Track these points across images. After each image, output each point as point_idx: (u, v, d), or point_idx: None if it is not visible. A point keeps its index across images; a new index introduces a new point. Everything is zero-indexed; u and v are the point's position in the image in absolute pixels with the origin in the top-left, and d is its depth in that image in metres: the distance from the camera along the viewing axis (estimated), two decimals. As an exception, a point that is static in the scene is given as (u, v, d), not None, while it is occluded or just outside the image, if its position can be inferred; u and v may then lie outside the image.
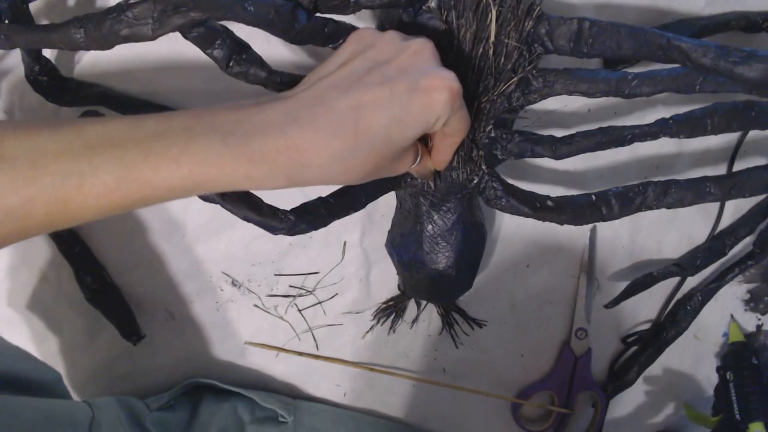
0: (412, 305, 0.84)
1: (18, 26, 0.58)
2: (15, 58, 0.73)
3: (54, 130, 0.45)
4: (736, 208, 0.84)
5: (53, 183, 0.43)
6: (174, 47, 0.71)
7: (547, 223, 0.69)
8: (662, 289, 0.87)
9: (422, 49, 0.51)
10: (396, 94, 0.49)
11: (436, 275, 0.71)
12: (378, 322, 0.85)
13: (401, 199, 0.71)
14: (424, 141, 0.59)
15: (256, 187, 0.49)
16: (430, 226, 0.68)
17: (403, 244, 0.72)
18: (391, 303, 0.84)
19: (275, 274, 0.83)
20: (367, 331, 0.85)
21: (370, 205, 0.71)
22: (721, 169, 0.82)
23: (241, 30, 0.59)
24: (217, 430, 0.78)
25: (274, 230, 0.63)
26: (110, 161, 0.44)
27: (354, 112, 0.48)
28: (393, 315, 0.84)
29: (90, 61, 0.74)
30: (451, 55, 0.60)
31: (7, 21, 0.59)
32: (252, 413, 0.82)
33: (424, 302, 0.84)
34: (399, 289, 0.82)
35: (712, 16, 0.74)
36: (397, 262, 0.74)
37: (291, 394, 0.88)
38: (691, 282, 0.87)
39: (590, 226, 0.83)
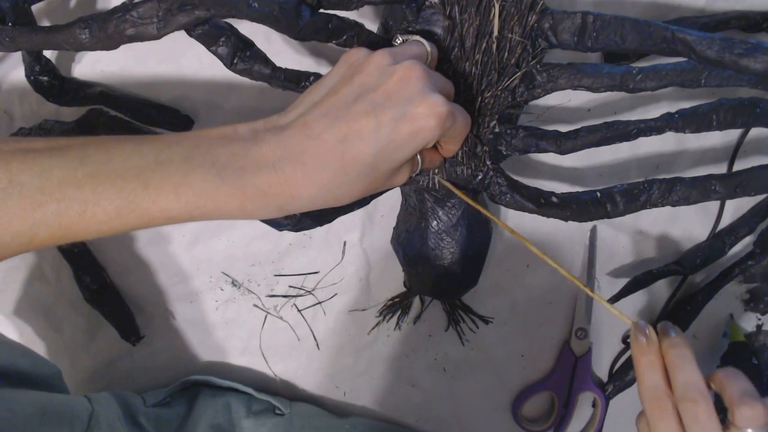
0: (416, 303, 0.84)
1: (22, 28, 0.58)
2: (15, 58, 0.73)
3: (58, 154, 0.46)
4: (736, 208, 0.84)
5: (58, 209, 0.45)
6: (174, 46, 0.71)
7: (546, 223, 0.69)
8: (662, 289, 0.87)
9: (408, 73, 0.50)
10: (383, 124, 0.49)
11: (441, 271, 0.71)
12: (384, 318, 0.85)
13: (406, 195, 0.71)
14: None
15: (249, 217, 0.51)
16: (434, 222, 0.68)
17: (408, 241, 0.72)
18: (396, 300, 0.84)
19: (275, 275, 0.83)
20: (369, 331, 0.85)
21: (370, 205, 0.71)
22: (721, 169, 0.82)
23: (241, 29, 0.59)
24: (211, 425, 0.78)
25: (279, 227, 0.62)
26: (111, 191, 0.46)
27: (341, 144, 0.49)
28: (398, 312, 0.84)
29: (90, 61, 0.74)
30: (454, 50, 0.60)
31: (10, 23, 0.59)
32: (248, 407, 0.82)
33: (429, 299, 0.84)
34: (405, 285, 0.82)
35: (713, 15, 0.74)
36: (402, 259, 0.74)
37: (290, 394, 0.88)
38: (691, 282, 0.87)
39: (590, 225, 0.83)
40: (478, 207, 0.65)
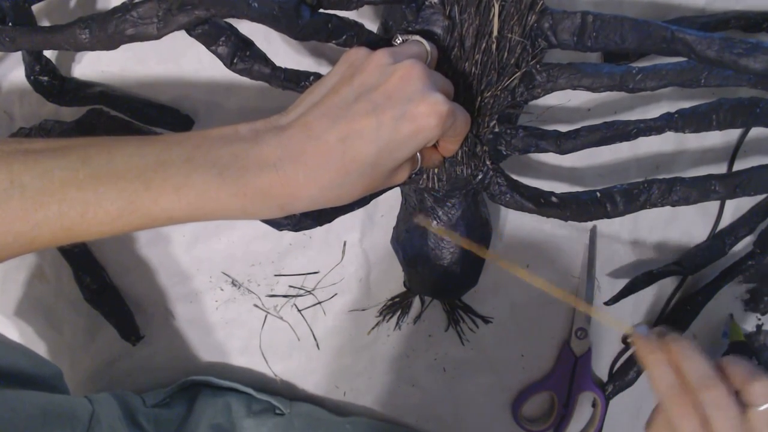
0: (416, 303, 0.84)
1: (22, 28, 0.58)
2: (15, 58, 0.73)
3: (59, 155, 0.46)
4: (736, 208, 0.84)
5: (60, 210, 0.45)
6: (174, 46, 0.71)
7: (547, 223, 0.69)
8: (662, 289, 0.87)
9: (409, 73, 0.50)
10: (383, 123, 0.49)
11: (440, 271, 0.71)
12: (384, 318, 0.85)
13: (406, 195, 0.71)
14: None
15: (250, 218, 0.51)
16: (434, 222, 0.68)
17: (408, 240, 0.72)
18: (396, 300, 0.84)
19: (275, 275, 0.83)
20: (369, 331, 0.85)
21: (370, 205, 0.71)
22: (721, 169, 0.82)
23: (241, 29, 0.59)
24: (211, 425, 0.78)
25: (279, 226, 0.62)
26: (113, 192, 0.46)
27: (342, 144, 0.49)
28: (398, 312, 0.84)
29: (90, 61, 0.74)
30: (453, 50, 0.60)
31: (10, 23, 0.59)
32: (248, 407, 0.82)
33: (429, 299, 0.84)
34: (405, 285, 0.81)
35: (712, 15, 0.74)
36: (402, 259, 0.74)
37: (290, 394, 0.88)
38: (691, 282, 0.87)
39: (591, 225, 0.83)
40: (466, 244, 0.65)
